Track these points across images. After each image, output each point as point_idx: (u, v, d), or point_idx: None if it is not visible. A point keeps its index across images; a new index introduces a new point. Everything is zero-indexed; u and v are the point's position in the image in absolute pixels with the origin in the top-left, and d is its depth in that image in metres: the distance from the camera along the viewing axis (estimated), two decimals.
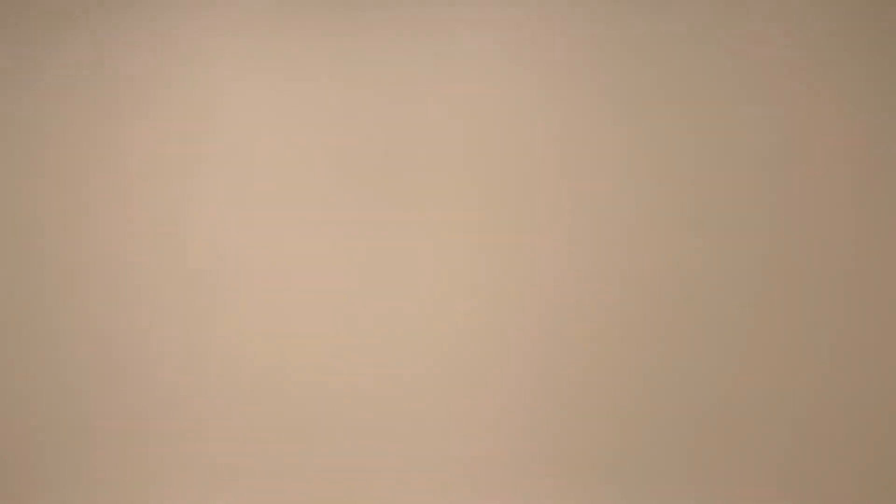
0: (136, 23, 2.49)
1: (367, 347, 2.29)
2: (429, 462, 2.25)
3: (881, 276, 2.12)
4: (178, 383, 2.32)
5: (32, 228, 2.42)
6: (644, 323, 2.20)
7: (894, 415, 2.07)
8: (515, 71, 2.33)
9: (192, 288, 2.35)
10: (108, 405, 2.33)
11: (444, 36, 2.37)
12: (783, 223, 2.18)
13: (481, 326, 2.26)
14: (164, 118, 2.42)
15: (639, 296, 2.21)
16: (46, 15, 2.54)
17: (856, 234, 2.15)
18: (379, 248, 2.31)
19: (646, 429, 2.17)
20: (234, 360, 2.32)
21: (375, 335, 2.29)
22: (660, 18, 2.33)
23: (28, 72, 2.50)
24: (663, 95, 2.29)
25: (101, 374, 2.34)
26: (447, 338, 2.27)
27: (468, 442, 2.23)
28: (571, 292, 2.23)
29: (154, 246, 2.37)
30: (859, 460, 2.08)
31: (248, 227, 2.36)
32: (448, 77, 2.35)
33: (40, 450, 2.33)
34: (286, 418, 2.29)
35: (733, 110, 2.26)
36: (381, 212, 2.32)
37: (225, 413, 2.31)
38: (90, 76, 2.48)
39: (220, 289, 2.34)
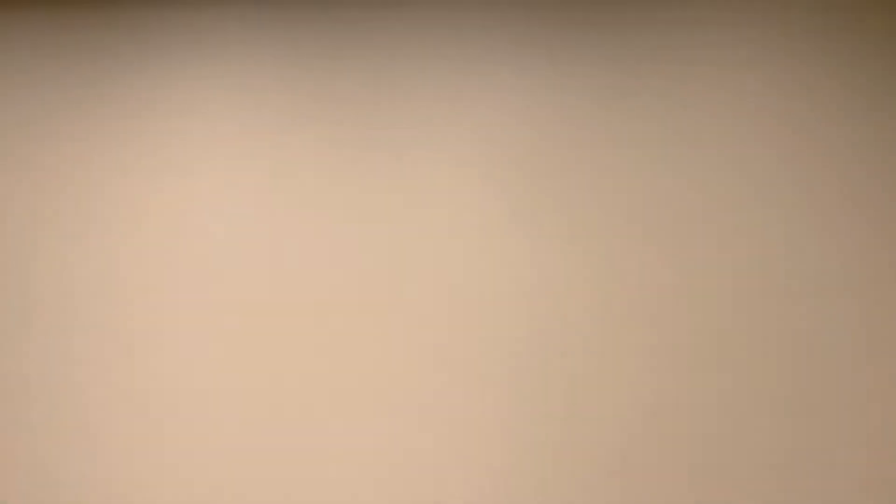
0: (114, 142, 2.48)
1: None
2: None
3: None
4: None
5: None
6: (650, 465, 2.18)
7: None
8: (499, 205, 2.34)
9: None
10: None
11: (424, 170, 2.38)
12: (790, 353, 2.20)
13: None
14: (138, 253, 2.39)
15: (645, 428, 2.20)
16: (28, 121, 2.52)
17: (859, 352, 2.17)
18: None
19: None
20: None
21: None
22: (645, 135, 2.35)
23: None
24: (656, 219, 2.31)
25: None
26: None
27: None
28: (569, 452, 2.20)
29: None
30: None
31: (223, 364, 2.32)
32: (428, 213, 2.35)
33: None
34: None
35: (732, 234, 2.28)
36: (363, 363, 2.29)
37: None
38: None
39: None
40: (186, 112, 2.47)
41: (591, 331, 2.24)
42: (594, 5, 2.43)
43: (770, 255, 2.25)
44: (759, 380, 2.19)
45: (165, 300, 2.36)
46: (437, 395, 2.24)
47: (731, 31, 2.38)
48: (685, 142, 2.34)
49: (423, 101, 2.42)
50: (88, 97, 2.49)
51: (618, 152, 2.35)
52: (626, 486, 2.17)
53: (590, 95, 2.38)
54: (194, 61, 2.49)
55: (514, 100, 2.40)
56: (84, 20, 2.53)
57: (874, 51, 2.30)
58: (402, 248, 2.32)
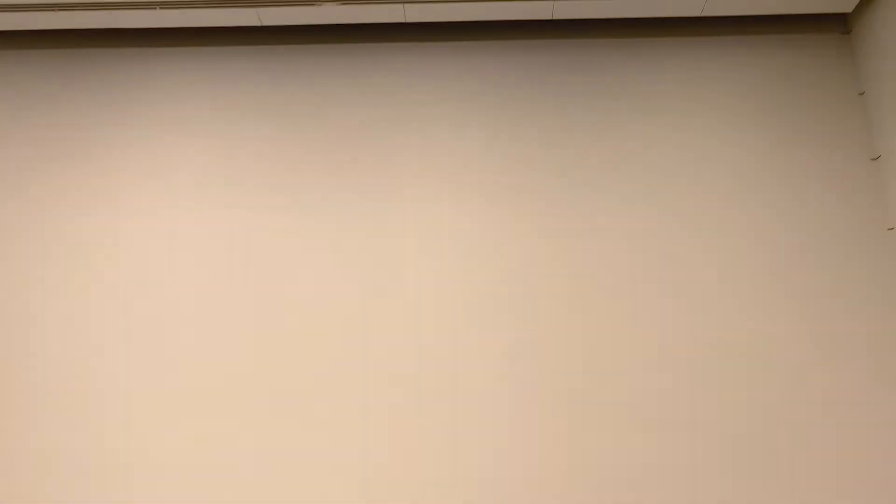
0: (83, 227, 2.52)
1: None
2: None
3: None
4: None
5: None
6: None
7: None
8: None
9: None
10: None
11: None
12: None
13: None
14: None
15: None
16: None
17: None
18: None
19: None
20: None
21: None
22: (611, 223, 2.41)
23: None
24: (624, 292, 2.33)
25: None
26: None
27: None
28: None
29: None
30: None
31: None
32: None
33: None
34: None
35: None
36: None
37: None
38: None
39: None
40: (176, 137, 2.51)
41: (585, 340, 2.24)
42: (565, 51, 2.52)
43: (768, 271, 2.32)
44: (758, 396, 2.21)
45: (165, 317, 2.37)
46: (431, 401, 2.21)
47: (700, 76, 2.46)
48: (647, 178, 2.40)
49: (409, 119, 2.48)
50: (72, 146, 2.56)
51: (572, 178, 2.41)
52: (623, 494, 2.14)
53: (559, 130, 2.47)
54: (182, 95, 2.54)
55: (484, 133, 2.46)
56: (72, 65, 2.58)
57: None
58: (398, 258, 2.31)
